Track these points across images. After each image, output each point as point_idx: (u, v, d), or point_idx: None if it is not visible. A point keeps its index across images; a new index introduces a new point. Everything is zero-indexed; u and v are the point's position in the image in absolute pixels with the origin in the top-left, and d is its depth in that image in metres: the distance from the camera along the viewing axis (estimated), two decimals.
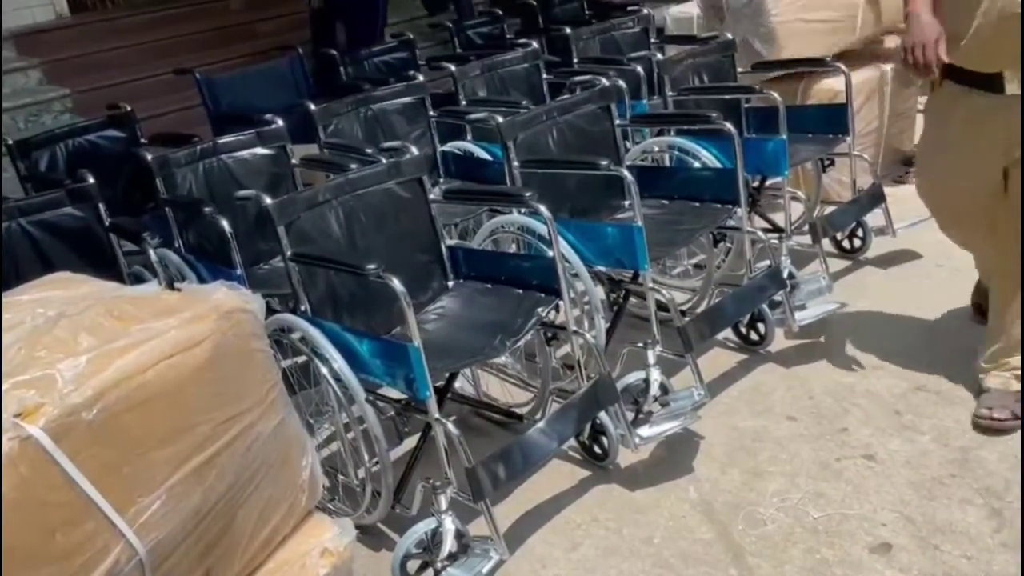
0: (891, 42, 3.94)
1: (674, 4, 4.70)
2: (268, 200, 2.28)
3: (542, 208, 2.34)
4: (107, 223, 2.56)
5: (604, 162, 2.60)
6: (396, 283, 2.01)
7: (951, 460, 2.33)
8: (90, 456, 1.35)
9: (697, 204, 2.95)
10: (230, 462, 1.54)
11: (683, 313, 2.87)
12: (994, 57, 2.17)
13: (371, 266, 2.05)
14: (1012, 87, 2.16)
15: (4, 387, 1.34)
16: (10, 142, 3.24)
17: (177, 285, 1.69)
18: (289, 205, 2.31)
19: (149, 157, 2.87)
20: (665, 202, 3.02)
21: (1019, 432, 2.38)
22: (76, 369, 1.38)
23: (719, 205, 2.90)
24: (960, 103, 2.30)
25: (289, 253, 2.26)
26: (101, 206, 2.56)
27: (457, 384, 2.65)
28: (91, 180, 2.57)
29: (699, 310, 3.03)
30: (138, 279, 2.53)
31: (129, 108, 3.51)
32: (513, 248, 2.83)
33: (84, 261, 2.46)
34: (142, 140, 3.47)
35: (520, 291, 2.45)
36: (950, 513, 2.14)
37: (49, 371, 1.37)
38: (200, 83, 3.96)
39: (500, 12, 4.97)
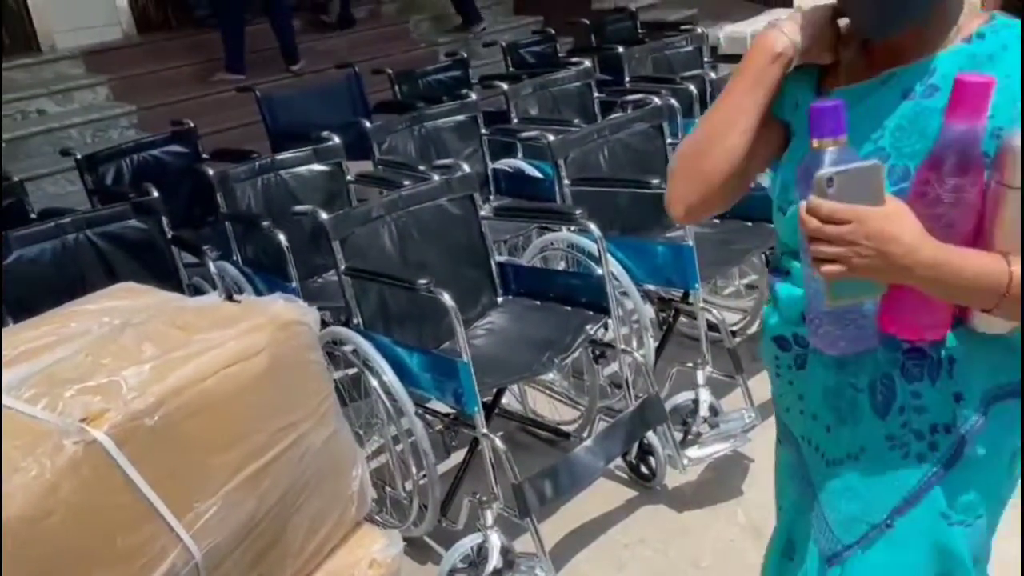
0: None
1: (728, 23, 4.69)
2: (324, 215, 2.32)
3: (592, 226, 2.36)
4: (169, 235, 2.64)
5: (655, 180, 2.60)
6: (447, 298, 2.04)
7: None
8: (151, 461, 1.39)
9: (750, 223, 2.93)
10: (284, 471, 1.58)
11: (734, 334, 2.84)
12: None
13: (422, 281, 2.08)
14: None
15: (70, 393, 1.39)
16: (79, 156, 3.36)
17: (236, 297, 1.73)
18: (344, 220, 2.36)
19: (210, 172, 2.95)
20: (717, 221, 2.99)
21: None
22: (140, 376, 1.43)
23: (773, 225, 2.86)
24: None
25: (343, 267, 2.30)
26: (164, 219, 2.64)
27: (504, 400, 2.66)
28: (155, 194, 2.65)
29: (750, 331, 3.00)
30: (197, 290, 2.60)
31: (192, 124, 3.61)
32: (562, 265, 2.84)
33: (146, 272, 2.52)
34: (204, 155, 3.55)
35: (569, 308, 2.46)
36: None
37: (114, 378, 1.42)
38: (260, 100, 4.06)
39: (553, 32, 5.02)
